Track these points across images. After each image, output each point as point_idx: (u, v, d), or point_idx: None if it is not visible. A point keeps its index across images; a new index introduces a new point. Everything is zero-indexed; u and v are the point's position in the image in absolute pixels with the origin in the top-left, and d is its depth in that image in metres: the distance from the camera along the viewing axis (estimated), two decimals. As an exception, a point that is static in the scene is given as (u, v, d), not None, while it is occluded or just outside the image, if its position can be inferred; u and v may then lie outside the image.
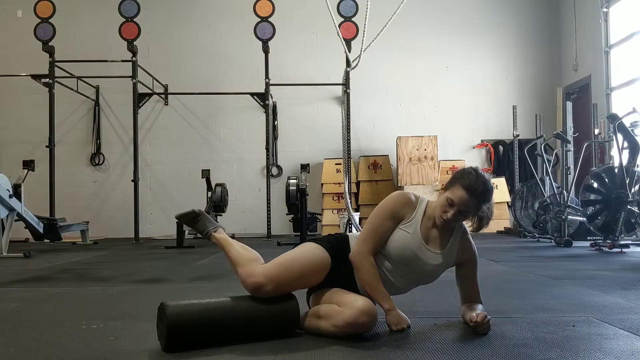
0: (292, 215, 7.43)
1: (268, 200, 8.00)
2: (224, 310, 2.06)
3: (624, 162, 5.69)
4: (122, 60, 7.97)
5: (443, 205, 2.14)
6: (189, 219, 2.45)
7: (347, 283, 2.22)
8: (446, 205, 2.13)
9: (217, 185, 7.88)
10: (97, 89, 9.04)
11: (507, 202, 8.54)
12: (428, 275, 2.25)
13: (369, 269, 2.16)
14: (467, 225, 2.28)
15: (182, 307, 1.99)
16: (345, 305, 2.08)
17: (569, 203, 6.33)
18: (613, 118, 5.85)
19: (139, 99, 7.99)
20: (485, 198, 2.14)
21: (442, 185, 2.33)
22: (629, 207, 5.56)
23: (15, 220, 5.84)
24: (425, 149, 8.50)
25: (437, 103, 9.31)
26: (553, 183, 6.82)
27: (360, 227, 6.97)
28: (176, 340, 1.94)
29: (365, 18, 6.71)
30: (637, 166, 5.69)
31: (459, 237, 2.25)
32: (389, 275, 2.22)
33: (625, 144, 5.77)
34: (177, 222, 6.65)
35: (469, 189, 2.10)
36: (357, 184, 8.70)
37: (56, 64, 7.82)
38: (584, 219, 6.07)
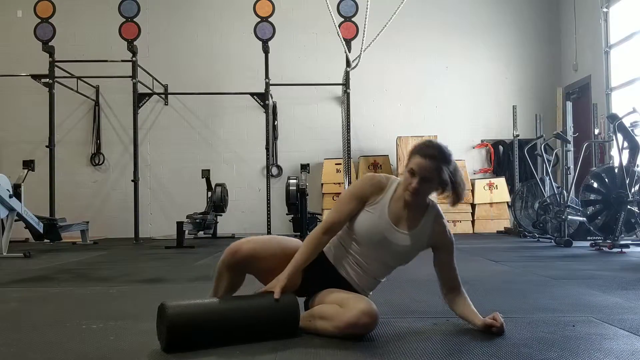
0: (292, 215, 7.44)
1: (268, 200, 7.99)
2: (224, 310, 2.05)
3: (624, 162, 5.69)
4: (122, 60, 7.97)
5: (406, 178, 2.15)
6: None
7: (329, 283, 2.23)
8: (408, 177, 2.14)
9: (217, 185, 7.88)
10: (97, 89, 9.05)
11: (507, 202, 8.54)
12: (399, 258, 2.24)
13: (306, 242, 2.19)
14: (444, 199, 2.24)
15: (182, 308, 1.99)
16: (346, 306, 2.07)
17: (569, 203, 6.33)
18: (613, 118, 5.85)
19: (139, 99, 7.98)
20: (444, 160, 2.12)
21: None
22: (629, 207, 5.56)
23: (15, 220, 5.84)
24: (425, 149, 8.49)
25: (437, 103, 9.32)
26: (553, 183, 6.82)
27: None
28: (176, 340, 1.94)
29: (365, 18, 6.72)
30: (637, 166, 5.68)
31: (431, 219, 2.23)
32: (360, 258, 2.22)
33: (625, 144, 5.76)
34: (177, 222, 6.66)
35: (425, 153, 2.11)
36: (357, 184, 8.69)
37: (56, 64, 7.83)
38: (584, 219, 6.07)
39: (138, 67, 7.92)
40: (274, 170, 8.93)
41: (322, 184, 8.72)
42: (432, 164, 2.10)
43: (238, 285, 2.27)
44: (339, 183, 8.32)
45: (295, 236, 7.68)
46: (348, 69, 7.67)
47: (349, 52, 7.40)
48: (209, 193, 7.95)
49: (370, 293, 2.32)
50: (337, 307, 2.10)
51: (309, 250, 2.18)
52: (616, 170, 5.71)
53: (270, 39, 7.79)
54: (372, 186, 2.21)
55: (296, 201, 7.03)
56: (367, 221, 2.18)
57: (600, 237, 5.90)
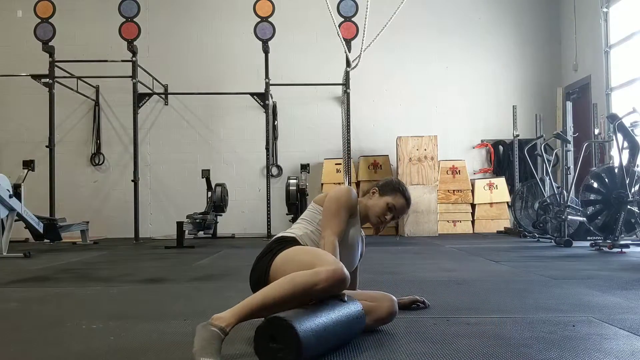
0: (292, 215, 7.42)
1: (268, 200, 7.99)
2: (335, 318, 1.92)
3: (624, 162, 5.69)
4: (122, 60, 7.97)
5: (384, 209, 2.38)
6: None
7: None
8: (386, 209, 2.38)
9: (217, 185, 7.88)
10: (97, 89, 9.05)
11: (507, 202, 8.54)
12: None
13: (335, 251, 2.19)
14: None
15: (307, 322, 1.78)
16: (377, 300, 2.24)
17: (569, 203, 6.33)
18: (613, 118, 5.85)
19: (139, 99, 7.98)
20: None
21: (371, 189, 2.40)
22: (629, 207, 5.56)
23: (15, 220, 5.84)
24: (425, 149, 8.50)
25: (437, 103, 9.32)
26: (553, 183, 6.82)
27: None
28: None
29: (365, 18, 6.71)
30: (637, 166, 5.68)
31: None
32: None
33: (625, 144, 5.76)
34: (177, 222, 6.67)
35: (406, 196, 2.42)
36: (357, 183, 8.70)
37: (56, 64, 7.83)
38: (584, 219, 6.07)
39: (138, 67, 7.93)
40: (274, 170, 8.93)
41: (322, 184, 8.71)
42: (408, 207, 2.43)
43: None
44: (339, 183, 8.32)
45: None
46: (348, 69, 7.67)
47: (349, 52, 7.40)
48: (209, 193, 7.95)
49: None
50: (367, 302, 2.18)
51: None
52: (616, 170, 5.71)
53: (270, 39, 7.80)
54: (356, 201, 2.39)
55: (296, 201, 7.03)
56: (354, 233, 2.38)
57: (600, 237, 5.90)
